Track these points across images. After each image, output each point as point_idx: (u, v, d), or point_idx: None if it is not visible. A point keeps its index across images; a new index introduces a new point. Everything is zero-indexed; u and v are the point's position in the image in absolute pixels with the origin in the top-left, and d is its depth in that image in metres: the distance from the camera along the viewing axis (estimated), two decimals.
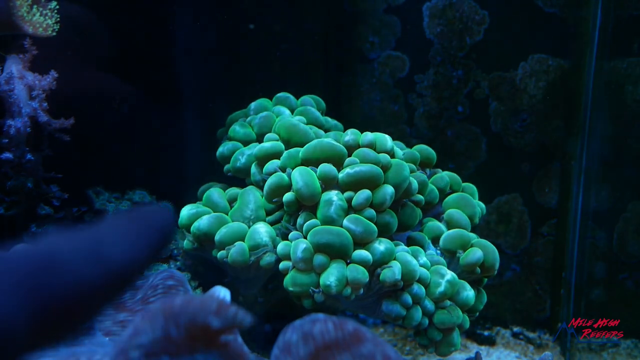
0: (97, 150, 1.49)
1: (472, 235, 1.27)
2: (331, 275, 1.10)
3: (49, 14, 1.22)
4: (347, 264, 1.13)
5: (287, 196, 1.17)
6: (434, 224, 1.28)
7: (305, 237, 1.16)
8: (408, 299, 1.15)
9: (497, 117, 1.81)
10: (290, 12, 1.79)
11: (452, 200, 1.33)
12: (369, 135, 1.22)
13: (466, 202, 1.32)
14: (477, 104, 1.81)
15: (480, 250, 1.23)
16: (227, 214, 1.27)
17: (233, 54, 1.70)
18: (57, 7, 1.23)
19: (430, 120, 1.84)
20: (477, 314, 1.29)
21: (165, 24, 1.57)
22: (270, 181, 1.20)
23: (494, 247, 1.26)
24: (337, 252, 1.12)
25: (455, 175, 1.38)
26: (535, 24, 1.75)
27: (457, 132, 1.83)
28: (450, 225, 1.28)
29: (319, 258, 1.12)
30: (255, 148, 1.29)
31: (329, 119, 1.44)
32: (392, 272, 1.12)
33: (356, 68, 1.87)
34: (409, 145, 1.39)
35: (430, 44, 1.80)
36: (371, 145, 1.21)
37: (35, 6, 1.19)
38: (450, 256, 1.24)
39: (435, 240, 1.27)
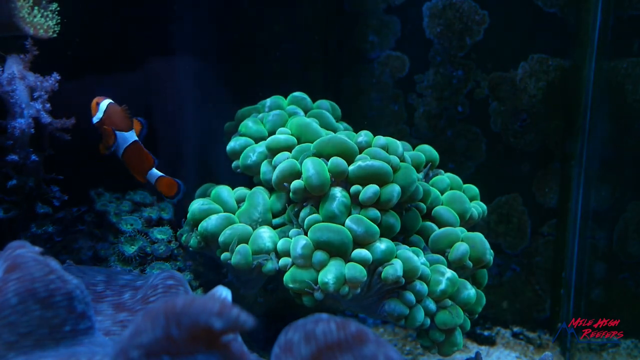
0: (97, 150, 1.49)
1: (459, 231, 1.27)
2: (329, 273, 1.10)
3: (50, 15, 1.22)
4: (347, 262, 1.13)
5: (296, 183, 1.18)
6: (425, 224, 1.28)
7: (305, 233, 1.16)
8: (411, 297, 1.15)
9: (497, 117, 1.81)
10: (290, 12, 1.79)
11: (443, 198, 1.33)
12: (381, 139, 1.23)
13: (456, 198, 1.32)
14: (477, 104, 1.81)
15: (464, 244, 1.23)
16: (234, 214, 1.27)
17: (233, 55, 1.70)
18: (58, 8, 1.23)
19: (430, 120, 1.84)
20: (476, 315, 1.29)
21: (166, 23, 1.57)
22: (282, 165, 1.20)
23: (482, 238, 1.25)
24: (336, 250, 1.12)
25: (456, 177, 1.38)
26: (535, 24, 1.75)
27: (457, 132, 1.83)
28: (438, 223, 1.28)
29: (319, 255, 1.12)
30: (267, 140, 1.29)
31: (342, 125, 1.44)
32: (394, 268, 1.12)
33: (356, 68, 1.87)
34: (410, 145, 1.39)
35: (430, 44, 1.80)
36: (384, 148, 1.21)
37: (36, 7, 1.19)
38: (441, 255, 1.24)
39: (427, 241, 1.27)
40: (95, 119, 1.27)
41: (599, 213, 1.76)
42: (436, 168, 1.39)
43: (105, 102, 1.26)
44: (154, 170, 1.32)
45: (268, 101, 1.42)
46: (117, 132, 1.27)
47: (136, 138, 1.30)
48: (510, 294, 1.88)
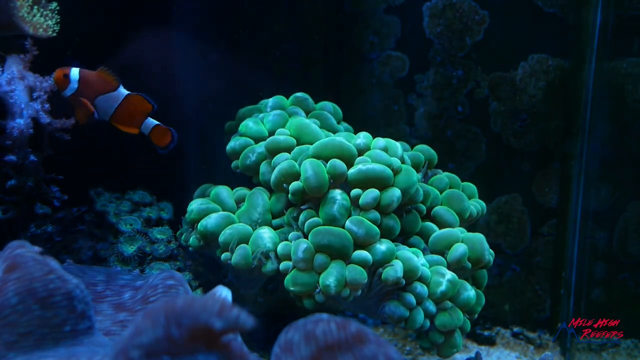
0: (97, 150, 1.49)
1: (459, 231, 1.26)
2: (330, 276, 1.10)
3: (50, 14, 1.21)
4: (347, 264, 1.13)
5: (294, 184, 1.18)
6: (425, 224, 1.28)
7: (305, 236, 1.16)
8: (411, 298, 1.15)
9: (497, 117, 1.81)
10: (290, 12, 1.79)
11: (442, 197, 1.33)
12: (380, 141, 1.23)
13: (454, 197, 1.32)
14: (477, 104, 1.81)
15: (463, 245, 1.22)
16: (233, 214, 1.27)
17: (233, 54, 1.70)
18: (58, 8, 1.22)
19: (430, 120, 1.84)
20: (476, 315, 1.29)
21: (165, 24, 1.57)
22: (280, 166, 1.20)
23: (481, 239, 1.25)
24: (337, 253, 1.12)
25: (454, 176, 1.38)
26: (535, 24, 1.75)
27: (457, 132, 1.83)
28: (438, 224, 1.28)
29: (320, 258, 1.12)
30: (266, 141, 1.29)
31: (343, 127, 1.43)
32: (394, 270, 1.12)
33: (356, 68, 1.87)
34: (410, 145, 1.39)
35: (430, 44, 1.80)
36: (383, 150, 1.21)
37: (35, 7, 1.19)
38: (441, 256, 1.24)
39: (427, 241, 1.27)
40: (68, 92, 1.21)
41: (599, 213, 1.76)
42: (435, 168, 1.39)
43: (75, 71, 1.21)
44: (150, 120, 1.27)
45: (270, 101, 1.42)
46: (103, 95, 1.23)
47: (127, 92, 1.25)
48: (510, 294, 1.88)
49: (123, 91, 1.25)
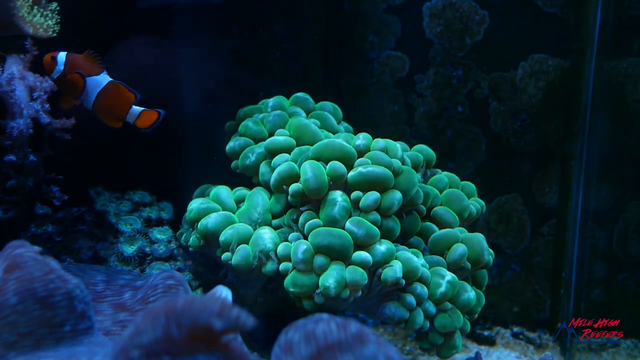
0: (97, 150, 1.49)
1: (459, 231, 1.26)
2: (330, 277, 1.10)
3: (50, 14, 1.21)
4: (347, 265, 1.12)
5: (294, 186, 1.17)
6: (424, 224, 1.28)
7: (305, 237, 1.16)
8: (411, 299, 1.15)
9: (497, 117, 1.81)
10: (290, 12, 1.79)
11: (441, 197, 1.33)
12: (380, 142, 1.22)
13: (454, 197, 1.32)
14: (477, 104, 1.81)
15: (462, 245, 1.22)
16: (233, 214, 1.27)
17: (233, 54, 1.70)
18: (58, 8, 1.22)
19: (430, 120, 1.84)
20: (476, 315, 1.29)
21: (166, 24, 1.57)
22: (280, 168, 1.20)
23: (480, 239, 1.25)
24: (337, 254, 1.12)
25: (454, 175, 1.38)
26: (535, 24, 1.75)
27: (457, 132, 1.83)
28: (438, 224, 1.28)
29: (320, 259, 1.12)
30: (266, 141, 1.29)
31: (343, 127, 1.43)
32: (394, 270, 1.12)
33: (356, 68, 1.87)
34: (409, 145, 1.39)
35: (430, 44, 1.80)
36: (383, 151, 1.21)
37: (36, 7, 1.19)
38: (441, 257, 1.24)
39: (427, 241, 1.27)
40: (55, 74, 1.19)
41: (599, 213, 1.76)
42: (434, 168, 1.39)
43: (62, 54, 1.20)
44: (135, 108, 1.24)
45: (270, 101, 1.42)
46: (87, 78, 1.21)
47: (110, 79, 1.23)
48: (510, 294, 1.88)
49: (106, 77, 1.23)
